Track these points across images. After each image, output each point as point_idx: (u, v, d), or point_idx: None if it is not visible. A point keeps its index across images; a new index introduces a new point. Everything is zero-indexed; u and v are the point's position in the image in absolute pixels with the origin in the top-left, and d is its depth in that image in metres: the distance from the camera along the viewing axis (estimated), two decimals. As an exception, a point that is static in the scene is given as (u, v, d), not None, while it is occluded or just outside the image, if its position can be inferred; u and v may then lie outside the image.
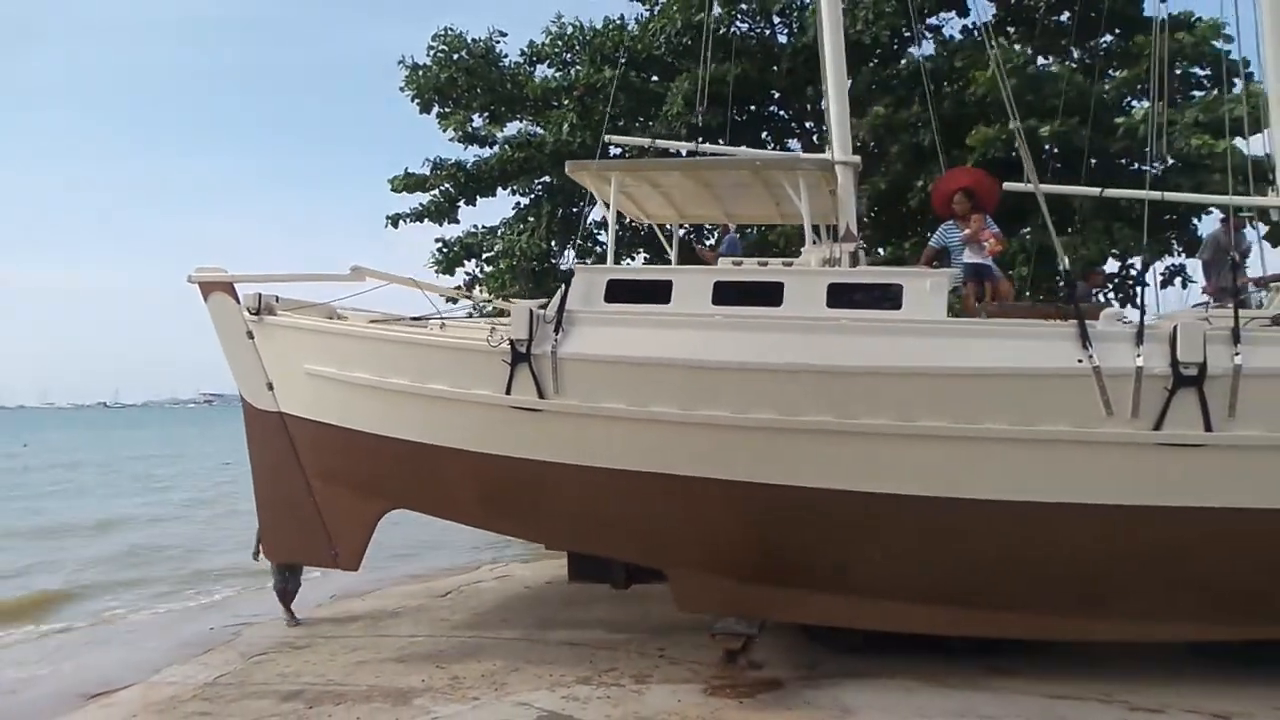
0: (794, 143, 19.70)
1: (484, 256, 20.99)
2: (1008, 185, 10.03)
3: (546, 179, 20.05)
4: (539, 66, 20.71)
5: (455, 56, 20.06)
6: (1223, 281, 9.36)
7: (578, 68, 19.84)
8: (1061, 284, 9.50)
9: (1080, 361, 7.49)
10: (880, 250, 16.90)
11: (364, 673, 8.71)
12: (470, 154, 20.90)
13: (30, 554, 18.73)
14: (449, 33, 20.24)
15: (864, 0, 16.89)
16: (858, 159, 9.82)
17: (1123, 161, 15.54)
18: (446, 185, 20.67)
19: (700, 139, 12.04)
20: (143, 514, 25.78)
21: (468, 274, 21.07)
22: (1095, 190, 10.72)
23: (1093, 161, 12.53)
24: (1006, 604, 8.01)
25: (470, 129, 20.62)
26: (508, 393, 8.54)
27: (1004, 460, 7.69)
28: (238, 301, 9.97)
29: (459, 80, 20.09)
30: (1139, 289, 16.01)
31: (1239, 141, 12.65)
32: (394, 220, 20.69)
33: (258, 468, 10.54)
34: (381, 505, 9.84)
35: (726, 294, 8.46)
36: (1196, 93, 15.99)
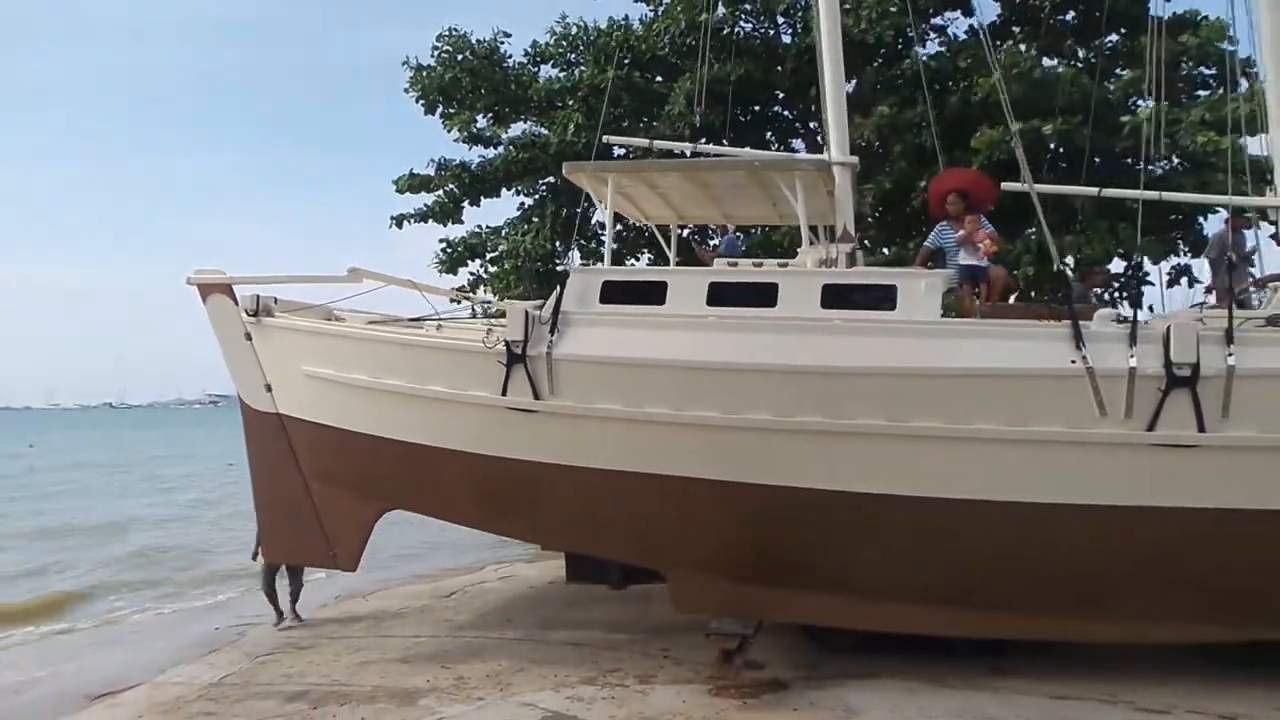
0: (798, 143, 19.66)
1: (488, 257, 21.00)
2: (1005, 185, 10.01)
3: (551, 179, 20.04)
4: (543, 67, 20.73)
5: (460, 57, 20.05)
6: (1221, 282, 9.32)
7: (582, 68, 19.85)
8: (1060, 286, 9.45)
9: (1074, 362, 7.48)
10: (885, 250, 16.82)
11: (369, 673, 8.78)
12: (475, 155, 20.97)
13: (38, 555, 18.92)
14: (453, 33, 20.23)
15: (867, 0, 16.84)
16: (855, 160, 9.76)
17: (1128, 161, 15.45)
18: (451, 186, 20.69)
19: (703, 139, 12.00)
20: (149, 515, 26.00)
21: (471, 274, 21.10)
22: (1093, 190, 10.66)
23: (1098, 161, 12.46)
24: (1003, 604, 8.01)
25: (474, 129, 20.63)
26: (504, 394, 8.58)
27: (998, 461, 7.68)
28: (236, 303, 10.01)
29: (463, 81, 20.09)
30: (1141, 289, 15.88)
31: (1244, 141, 12.56)
32: (398, 220, 20.73)
33: (256, 469, 10.58)
34: (379, 506, 9.88)
35: (721, 295, 8.45)
36: (1202, 92, 15.93)
